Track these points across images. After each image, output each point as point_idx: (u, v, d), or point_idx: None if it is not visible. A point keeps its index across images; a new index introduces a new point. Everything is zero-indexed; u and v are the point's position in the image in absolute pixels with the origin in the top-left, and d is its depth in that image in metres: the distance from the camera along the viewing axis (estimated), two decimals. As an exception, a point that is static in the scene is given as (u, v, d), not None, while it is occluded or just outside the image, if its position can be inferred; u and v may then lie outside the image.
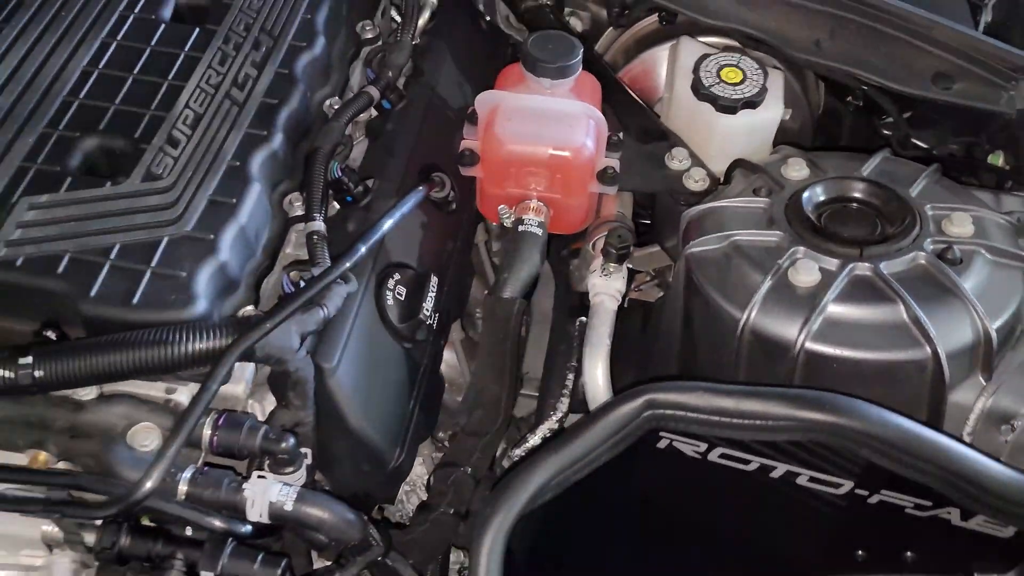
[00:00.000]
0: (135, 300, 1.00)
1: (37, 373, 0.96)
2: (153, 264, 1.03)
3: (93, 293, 1.00)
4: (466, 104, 1.39)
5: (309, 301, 1.04)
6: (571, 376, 1.31)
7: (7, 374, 0.96)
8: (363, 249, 1.11)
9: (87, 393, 1.02)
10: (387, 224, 1.15)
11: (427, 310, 1.21)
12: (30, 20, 1.24)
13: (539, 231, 1.25)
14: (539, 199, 1.27)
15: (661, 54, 1.55)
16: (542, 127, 1.23)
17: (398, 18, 1.49)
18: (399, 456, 1.17)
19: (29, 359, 0.96)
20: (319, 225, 1.15)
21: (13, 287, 1.01)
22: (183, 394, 1.04)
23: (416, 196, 1.21)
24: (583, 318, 1.30)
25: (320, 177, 1.19)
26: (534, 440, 1.26)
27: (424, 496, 1.29)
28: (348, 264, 1.08)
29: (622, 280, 1.26)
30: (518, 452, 1.25)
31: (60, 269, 1.01)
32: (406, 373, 1.21)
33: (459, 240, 1.37)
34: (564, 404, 1.29)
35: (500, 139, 1.23)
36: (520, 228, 1.25)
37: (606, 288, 1.25)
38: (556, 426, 1.28)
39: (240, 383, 1.05)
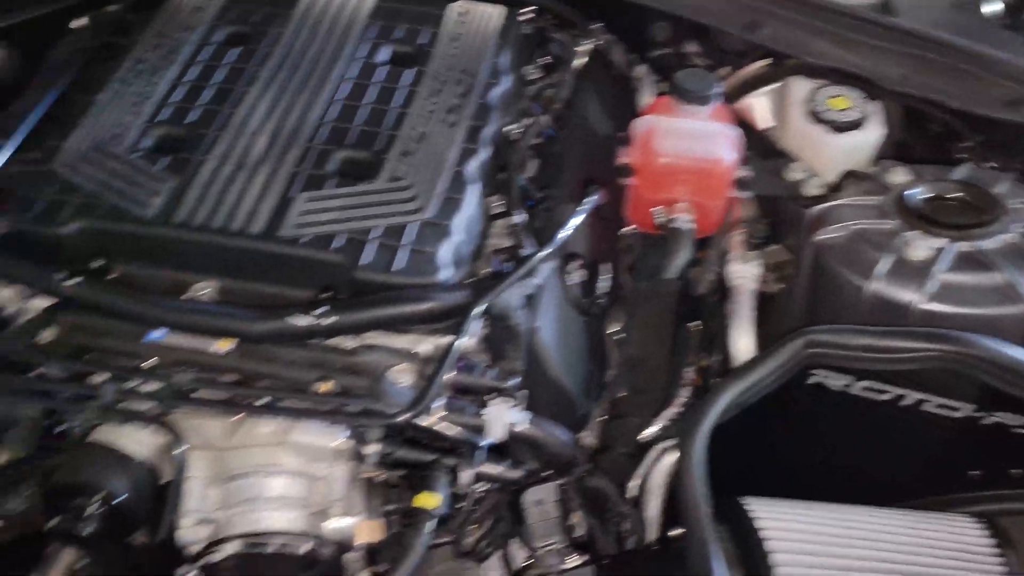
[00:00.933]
0: (394, 268, 1.29)
1: (330, 320, 1.24)
2: (403, 242, 1.31)
3: (363, 263, 1.28)
4: (607, 131, 1.70)
5: (527, 272, 1.32)
6: (688, 371, 1.58)
7: (303, 321, 1.24)
8: (560, 237, 1.39)
9: (352, 343, 1.30)
10: (575, 219, 1.44)
11: (600, 290, 1.49)
12: (283, 66, 1.56)
13: (690, 226, 1.53)
14: (687, 202, 1.55)
15: (761, 96, 1.85)
16: (692, 143, 1.52)
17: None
18: (584, 406, 1.44)
19: (326, 309, 1.25)
20: (521, 218, 1.44)
21: (300, 259, 1.30)
22: (424, 344, 1.32)
23: (594, 200, 1.49)
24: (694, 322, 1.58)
25: (514, 183, 1.49)
26: (658, 425, 1.51)
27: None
28: (551, 248, 1.37)
29: (758, 267, 1.53)
30: (649, 432, 1.50)
31: (336, 245, 1.30)
32: (586, 340, 1.48)
33: (610, 241, 1.66)
34: (686, 393, 1.55)
35: (658, 153, 1.52)
36: (673, 225, 1.53)
37: (746, 273, 1.52)
38: (680, 410, 1.53)
39: (472, 337, 1.33)
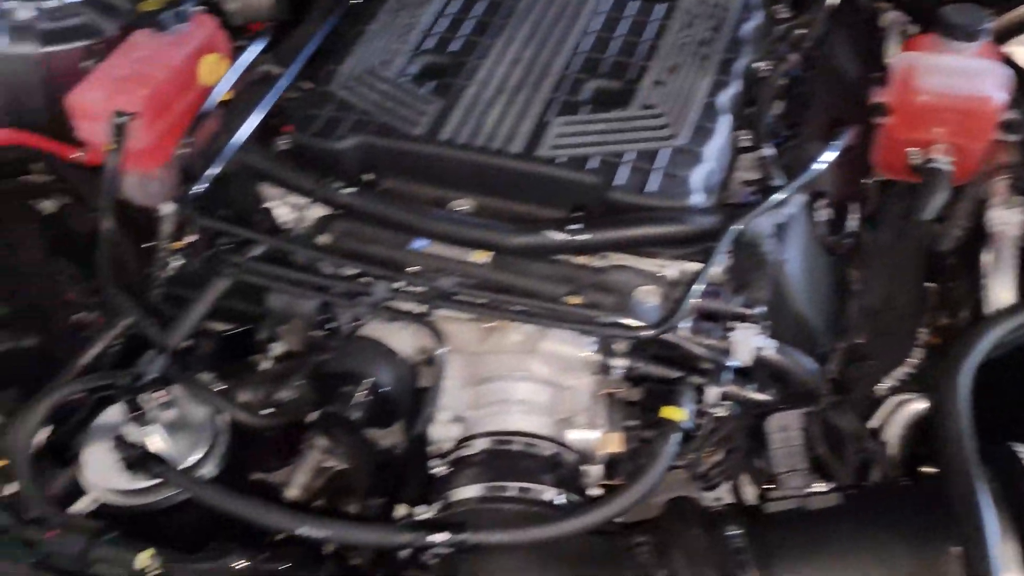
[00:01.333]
0: (647, 190, 1.31)
1: (584, 237, 1.29)
2: (656, 165, 1.34)
3: (616, 183, 1.32)
4: (854, 74, 1.65)
5: (779, 202, 1.31)
6: (922, 332, 1.51)
7: (559, 236, 1.30)
8: (812, 169, 1.37)
9: (600, 262, 1.34)
10: (828, 155, 1.41)
11: (848, 229, 1.45)
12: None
13: (948, 168, 1.46)
14: (946, 144, 1.48)
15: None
16: (957, 80, 1.45)
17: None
18: (824, 344, 1.41)
19: (580, 226, 1.29)
20: (770, 151, 1.43)
21: (555, 178, 1.35)
22: (670, 268, 1.34)
23: (846, 135, 1.46)
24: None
25: (763, 118, 1.48)
26: (888, 383, 1.45)
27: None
28: (803, 179, 1.35)
29: (1022, 213, 1.45)
30: (885, 384, 1.45)
31: (590, 166, 1.34)
32: (830, 279, 1.46)
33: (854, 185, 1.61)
34: (919, 354, 1.48)
35: (918, 90, 1.46)
36: (931, 165, 1.47)
37: (1009, 219, 1.44)
38: (911, 370, 1.47)
39: (719, 265, 1.34)
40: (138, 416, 1.28)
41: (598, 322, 1.22)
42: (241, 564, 1.19)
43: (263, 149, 1.47)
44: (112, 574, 1.19)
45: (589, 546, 1.17)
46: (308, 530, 1.15)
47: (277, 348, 1.47)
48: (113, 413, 1.35)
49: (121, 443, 1.25)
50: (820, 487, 1.17)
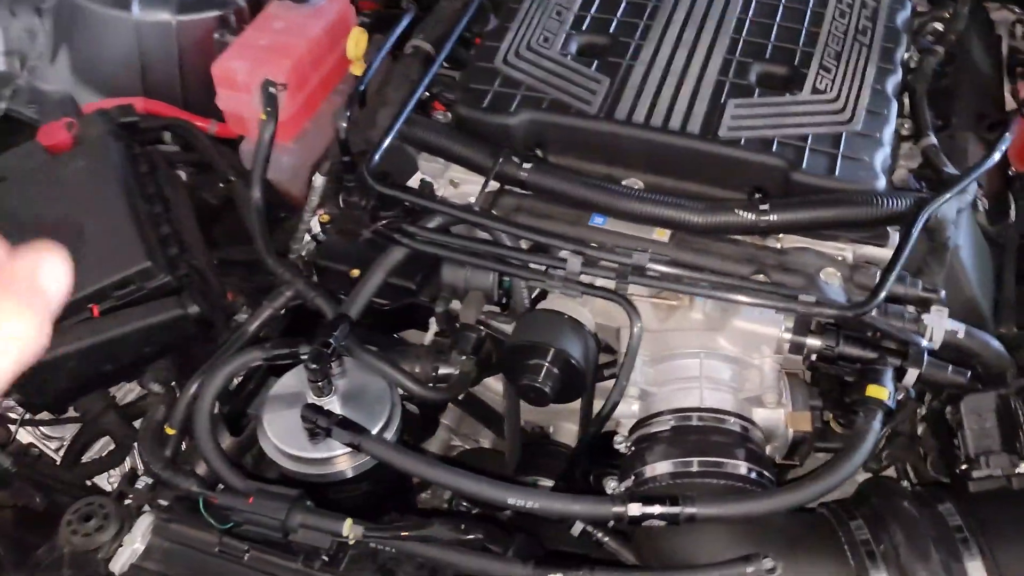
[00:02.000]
0: (837, 173, 1.33)
1: (772, 218, 1.30)
2: (840, 150, 1.35)
3: (804, 166, 1.33)
4: (989, 70, 1.68)
5: (962, 188, 1.33)
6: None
7: (749, 216, 1.31)
8: (991, 159, 1.39)
9: (783, 243, 1.36)
10: (1001, 146, 1.43)
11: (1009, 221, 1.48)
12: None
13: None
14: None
15: None
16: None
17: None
18: (991, 331, 1.43)
19: (767, 206, 1.30)
20: (933, 140, 1.45)
21: (737, 160, 1.36)
22: (847, 251, 1.36)
23: (1010, 132, 1.48)
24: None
25: (923, 106, 1.50)
26: None
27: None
28: (983, 168, 1.37)
29: None
30: None
31: (776, 148, 1.35)
32: (992, 268, 1.48)
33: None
34: None
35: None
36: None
37: None
38: None
39: (889, 248, 1.36)
40: (323, 385, 1.27)
41: (804, 301, 1.23)
42: (444, 534, 1.19)
43: (430, 123, 1.47)
44: (312, 541, 1.19)
45: (797, 522, 1.18)
46: (517, 501, 1.15)
47: (436, 322, 1.47)
48: (288, 383, 1.34)
49: (313, 411, 1.23)
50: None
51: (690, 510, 1.13)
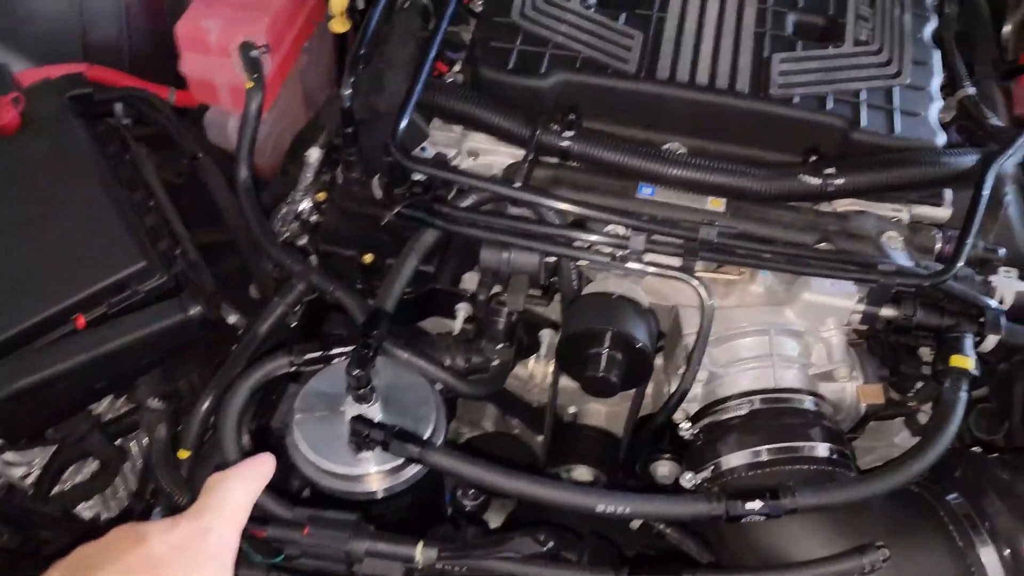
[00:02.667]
0: (896, 131, 1.25)
1: (838, 181, 1.22)
2: (895, 105, 1.28)
3: (864, 125, 1.25)
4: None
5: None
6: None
7: (815, 180, 1.22)
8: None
9: (845, 207, 1.28)
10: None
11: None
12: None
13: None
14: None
15: None
16: None
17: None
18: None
19: (832, 170, 1.22)
20: (971, 90, 1.40)
21: (793, 120, 1.27)
22: (904, 213, 1.30)
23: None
24: None
25: (956, 56, 1.45)
26: None
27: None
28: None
29: None
30: None
31: (831, 107, 1.27)
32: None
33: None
34: None
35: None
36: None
37: None
38: None
39: (946, 208, 1.31)
40: (364, 392, 1.12)
41: (884, 270, 1.16)
42: (525, 547, 1.08)
43: (451, 87, 1.31)
44: (380, 570, 1.05)
45: (895, 504, 1.12)
46: (607, 507, 1.05)
47: (464, 310, 1.34)
48: (316, 388, 1.19)
49: (364, 424, 1.09)
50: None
51: (792, 502, 1.05)
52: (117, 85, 1.51)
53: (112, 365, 1.17)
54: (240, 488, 0.83)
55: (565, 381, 1.38)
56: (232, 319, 1.55)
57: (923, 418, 1.36)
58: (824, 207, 1.28)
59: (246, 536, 1.06)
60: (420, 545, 1.05)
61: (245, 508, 0.83)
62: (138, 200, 1.26)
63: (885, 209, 1.29)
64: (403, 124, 1.23)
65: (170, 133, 1.52)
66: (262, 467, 0.87)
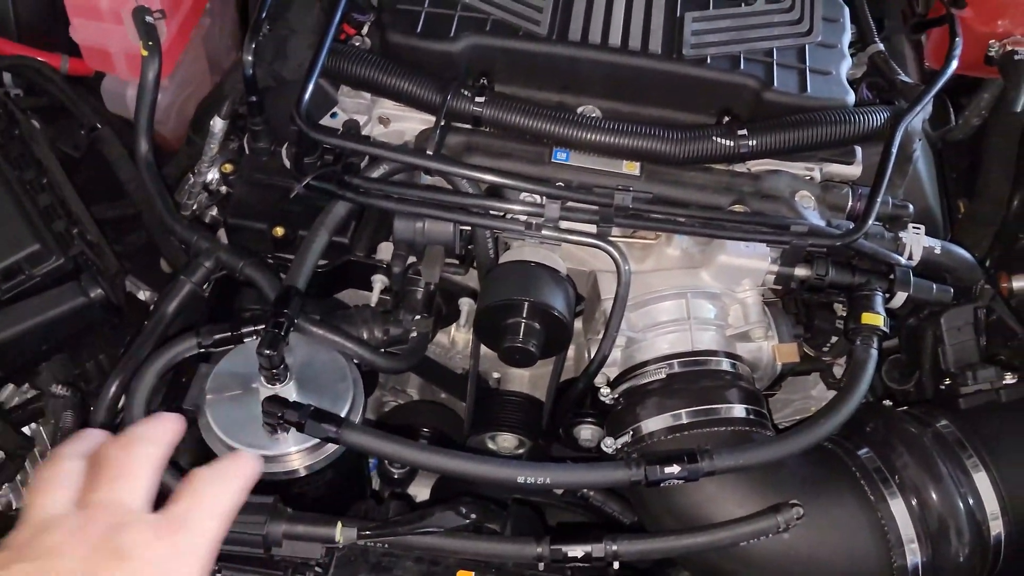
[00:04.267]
0: (808, 91, 1.26)
1: (751, 143, 1.22)
2: (807, 64, 1.28)
3: (776, 85, 1.25)
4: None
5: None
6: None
7: (728, 142, 1.22)
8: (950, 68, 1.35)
9: (758, 166, 1.28)
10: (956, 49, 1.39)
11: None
12: None
13: (1030, 58, 1.51)
14: (1024, 34, 1.53)
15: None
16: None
17: None
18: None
19: (744, 131, 1.22)
20: (880, 46, 1.42)
21: (707, 81, 1.26)
22: (816, 172, 1.31)
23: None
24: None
25: (864, 8, 1.46)
26: None
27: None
28: (948, 73, 1.33)
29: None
30: None
31: (744, 66, 1.26)
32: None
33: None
34: None
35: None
36: (1016, 57, 1.51)
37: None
38: None
39: (856, 165, 1.32)
40: (278, 372, 1.10)
41: (797, 231, 1.16)
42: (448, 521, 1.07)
43: (358, 52, 1.27)
44: (299, 552, 1.04)
45: (808, 460, 1.14)
46: (527, 478, 1.05)
47: (381, 281, 1.32)
48: (227, 368, 1.15)
49: (277, 405, 1.06)
50: (1010, 379, 1.20)
51: (709, 465, 1.07)
52: (3, 53, 1.42)
53: (10, 354, 1.12)
54: (229, 491, 0.73)
55: (487, 348, 1.37)
56: (143, 295, 1.51)
57: (838, 371, 1.39)
58: (739, 167, 1.28)
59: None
60: (339, 525, 1.04)
61: (232, 516, 0.73)
62: (29, 179, 1.19)
63: (798, 168, 1.30)
64: (308, 93, 1.19)
65: (64, 104, 1.45)
66: (248, 465, 0.76)
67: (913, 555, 1.09)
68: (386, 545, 1.07)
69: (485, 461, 1.06)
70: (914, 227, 1.25)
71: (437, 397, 1.62)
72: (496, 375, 1.51)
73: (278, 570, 1.04)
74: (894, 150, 1.21)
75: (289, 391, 1.12)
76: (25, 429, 1.32)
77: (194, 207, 1.45)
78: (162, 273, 1.55)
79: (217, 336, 1.13)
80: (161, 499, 0.72)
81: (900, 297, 1.21)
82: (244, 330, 1.14)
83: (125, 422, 1.10)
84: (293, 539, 1.03)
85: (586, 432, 1.35)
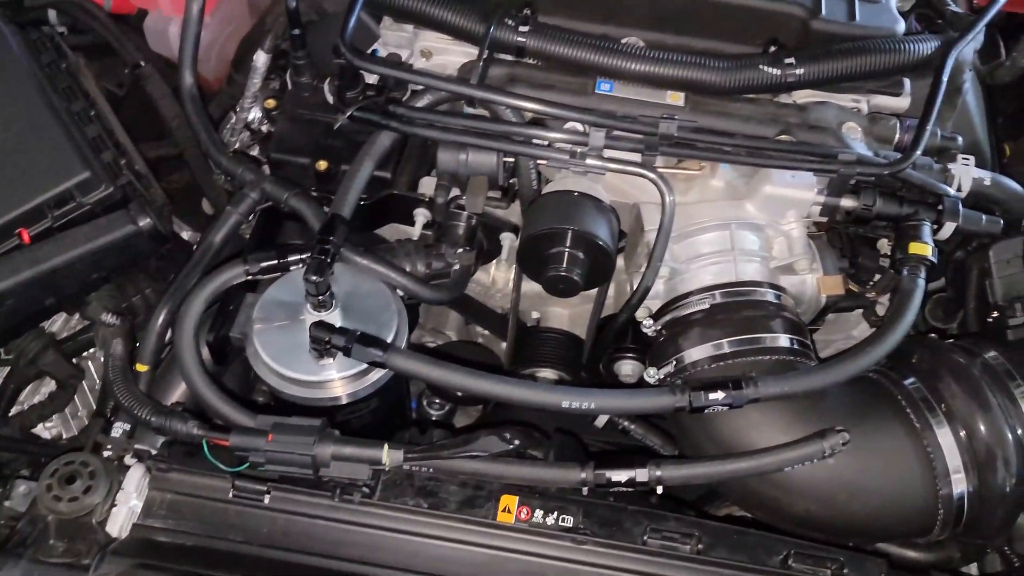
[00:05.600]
0: (856, 20, 1.23)
1: (798, 72, 1.21)
2: None
3: (824, 13, 1.23)
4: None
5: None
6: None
7: (775, 71, 1.20)
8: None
9: (805, 98, 1.27)
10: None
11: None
12: None
13: None
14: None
15: None
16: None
17: None
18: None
19: (792, 60, 1.21)
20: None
21: (753, 10, 1.24)
22: (863, 104, 1.29)
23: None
24: None
25: None
26: None
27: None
28: (999, 5, 1.30)
29: None
30: None
31: (803, -6, 1.23)
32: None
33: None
34: None
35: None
36: None
37: None
38: None
39: (904, 97, 1.30)
40: (324, 299, 1.10)
41: (845, 160, 1.15)
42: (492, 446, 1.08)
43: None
44: (347, 473, 1.05)
45: (853, 390, 1.14)
46: (572, 403, 1.06)
47: (423, 215, 1.32)
48: (274, 296, 1.16)
49: (325, 330, 1.07)
50: (1058, 311, 1.19)
51: (754, 392, 1.07)
52: (46, -11, 1.43)
53: (60, 281, 1.14)
54: None
55: (527, 285, 1.37)
56: (186, 235, 1.52)
57: (881, 310, 1.38)
58: (784, 99, 1.27)
59: (209, 446, 1.07)
60: (386, 447, 1.05)
61: None
62: (78, 110, 1.21)
63: (845, 100, 1.28)
64: (352, 22, 1.18)
65: (108, 41, 1.46)
66: None
67: (959, 484, 1.08)
68: (431, 470, 1.08)
69: (530, 386, 1.07)
70: (963, 158, 1.24)
71: (475, 338, 1.63)
72: (535, 314, 1.52)
73: (326, 491, 1.06)
74: (944, 80, 1.19)
75: (335, 319, 1.13)
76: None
77: (236, 145, 1.46)
78: (204, 214, 1.56)
79: (264, 264, 1.14)
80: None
81: (948, 228, 1.19)
82: (291, 257, 1.15)
83: (175, 350, 1.11)
84: (341, 460, 1.04)
85: (627, 367, 1.35)
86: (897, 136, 1.26)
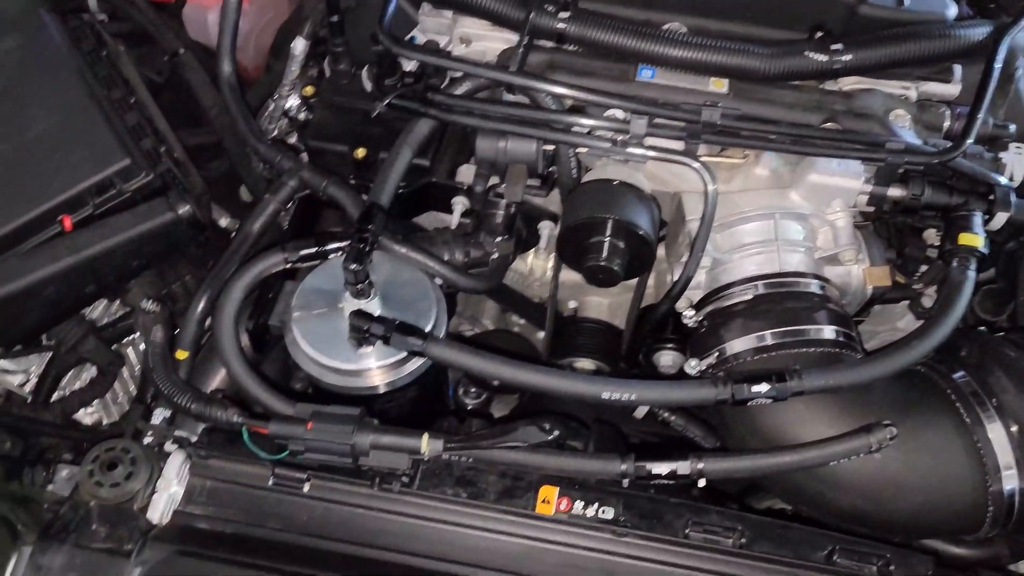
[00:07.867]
0: (906, 4, 1.21)
1: (845, 58, 1.18)
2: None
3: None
4: None
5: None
6: None
7: (822, 57, 1.18)
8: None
9: (851, 85, 1.24)
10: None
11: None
12: None
13: None
14: None
15: None
16: None
17: None
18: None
19: (839, 46, 1.18)
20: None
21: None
22: (912, 91, 1.26)
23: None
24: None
25: None
26: None
27: None
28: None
29: None
30: None
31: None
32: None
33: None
34: None
35: None
36: None
37: None
38: None
39: (954, 84, 1.27)
40: (363, 287, 1.10)
41: (893, 148, 1.12)
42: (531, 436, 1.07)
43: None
44: (386, 462, 1.05)
45: (900, 384, 1.12)
46: (612, 394, 1.04)
47: (461, 203, 1.31)
48: (313, 284, 1.16)
49: (364, 318, 1.07)
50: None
51: (798, 385, 1.04)
52: (88, -22, 1.44)
53: (101, 267, 1.14)
54: None
55: (565, 275, 1.36)
56: (224, 222, 1.52)
57: (927, 302, 1.35)
58: (830, 86, 1.24)
59: (249, 433, 1.07)
60: (425, 436, 1.04)
61: None
62: (118, 98, 1.21)
63: (892, 86, 1.26)
64: (391, 9, 1.18)
65: (148, 29, 1.46)
66: None
67: (1010, 481, 1.06)
68: (470, 459, 1.08)
69: (570, 376, 1.06)
70: (1016, 147, 1.20)
71: (512, 328, 1.62)
72: (573, 304, 1.50)
73: (365, 479, 1.06)
74: (996, 66, 1.16)
75: (374, 307, 1.13)
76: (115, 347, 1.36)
77: (275, 133, 1.46)
78: (242, 202, 1.56)
79: (303, 252, 1.14)
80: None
81: (1000, 218, 1.16)
82: (330, 245, 1.14)
83: (214, 337, 1.11)
84: (380, 449, 1.04)
85: (667, 358, 1.33)
86: (947, 124, 1.23)
